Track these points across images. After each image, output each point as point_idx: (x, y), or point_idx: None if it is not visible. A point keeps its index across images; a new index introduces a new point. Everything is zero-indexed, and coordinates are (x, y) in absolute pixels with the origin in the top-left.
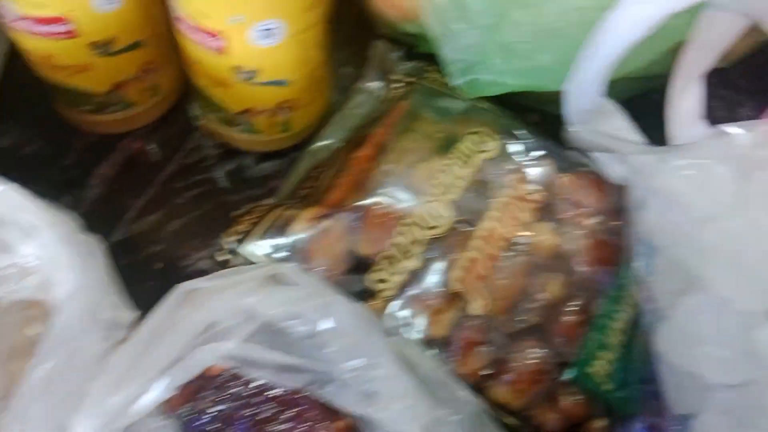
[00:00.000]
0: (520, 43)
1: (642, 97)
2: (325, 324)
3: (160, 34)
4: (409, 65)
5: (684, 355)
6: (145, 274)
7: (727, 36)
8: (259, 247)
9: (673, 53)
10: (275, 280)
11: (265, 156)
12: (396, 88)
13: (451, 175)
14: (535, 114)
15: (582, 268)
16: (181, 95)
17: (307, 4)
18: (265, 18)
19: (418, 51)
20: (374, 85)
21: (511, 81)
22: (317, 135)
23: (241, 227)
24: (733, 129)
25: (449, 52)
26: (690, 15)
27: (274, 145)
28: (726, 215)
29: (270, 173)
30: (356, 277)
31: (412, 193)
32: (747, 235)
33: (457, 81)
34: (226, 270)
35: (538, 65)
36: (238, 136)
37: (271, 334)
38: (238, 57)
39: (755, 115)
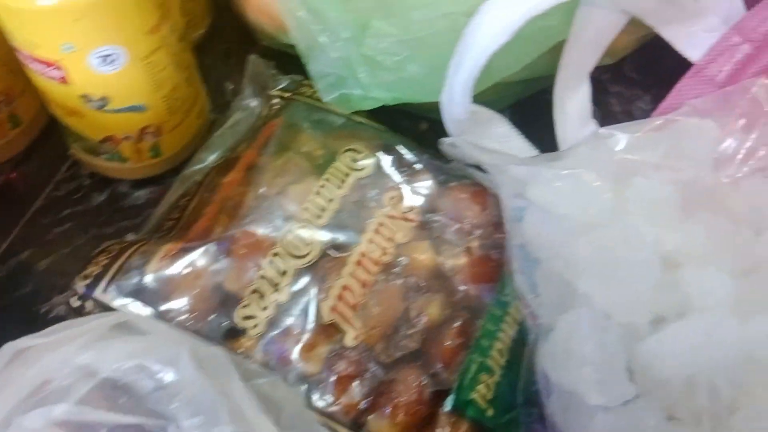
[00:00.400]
0: (385, 54)
1: (538, 96)
2: (171, 377)
3: (7, 62)
4: (286, 79)
5: (566, 374)
6: (8, 323)
7: (608, 32)
8: (111, 291)
9: (556, 53)
10: (125, 328)
11: (141, 183)
12: (273, 105)
13: (325, 197)
14: (425, 122)
15: (463, 286)
16: (48, 124)
17: (146, 28)
18: (100, 45)
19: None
20: (251, 101)
21: (381, 95)
22: (193, 158)
23: (93, 269)
24: (609, 133)
25: (316, 66)
26: (567, 14)
27: (146, 171)
28: (601, 225)
29: (146, 201)
30: (224, 314)
31: (283, 220)
32: (623, 245)
33: (327, 96)
34: (65, 322)
35: (408, 77)
36: (105, 165)
37: (113, 390)
38: (83, 86)
39: (651, 109)
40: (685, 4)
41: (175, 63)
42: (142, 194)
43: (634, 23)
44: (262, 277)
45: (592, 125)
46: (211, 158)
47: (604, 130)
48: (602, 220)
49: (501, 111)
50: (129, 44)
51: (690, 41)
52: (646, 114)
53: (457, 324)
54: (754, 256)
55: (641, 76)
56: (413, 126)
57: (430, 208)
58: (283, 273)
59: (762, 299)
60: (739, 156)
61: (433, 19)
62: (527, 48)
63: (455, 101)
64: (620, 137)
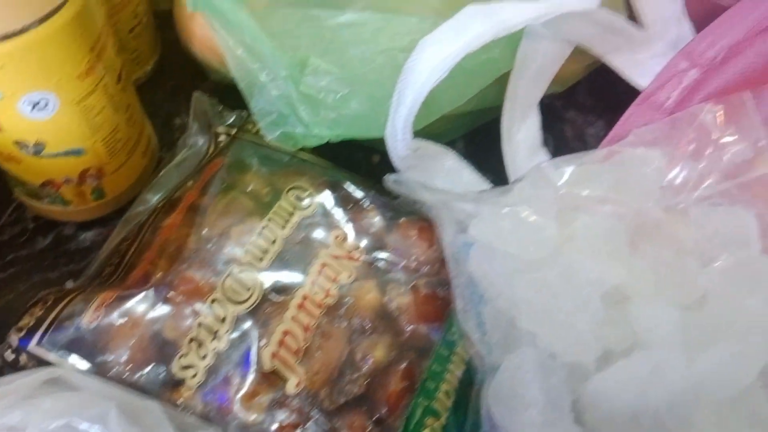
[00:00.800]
0: (325, 92)
1: (492, 125)
2: None
3: None
4: (232, 115)
5: (511, 417)
6: None
7: (553, 62)
8: (45, 344)
9: (504, 83)
10: (56, 384)
11: (87, 224)
12: (219, 142)
13: (267, 238)
14: (378, 154)
15: (410, 326)
16: None
17: (77, 73)
18: (29, 91)
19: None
20: (197, 139)
21: (324, 132)
22: (137, 199)
23: (28, 320)
24: (551, 166)
25: (258, 104)
26: (509, 46)
27: (90, 213)
28: (543, 263)
29: (92, 244)
30: (162, 364)
31: (224, 263)
32: (564, 284)
33: (269, 135)
34: None
35: (350, 114)
36: (48, 209)
37: None
38: (15, 132)
39: (605, 135)
40: (630, 33)
41: (112, 105)
42: (88, 236)
43: (582, 51)
44: (200, 324)
45: (543, 155)
46: (155, 199)
47: (547, 164)
48: (544, 258)
49: (453, 141)
50: (59, 90)
51: (637, 68)
52: (599, 140)
53: (403, 366)
54: (702, 287)
55: (595, 102)
56: (366, 158)
57: (376, 245)
58: (223, 319)
59: (709, 332)
60: (687, 185)
61: (371, 56)
62: (471, 81)
63: (398, 138)
64: (563, 171)
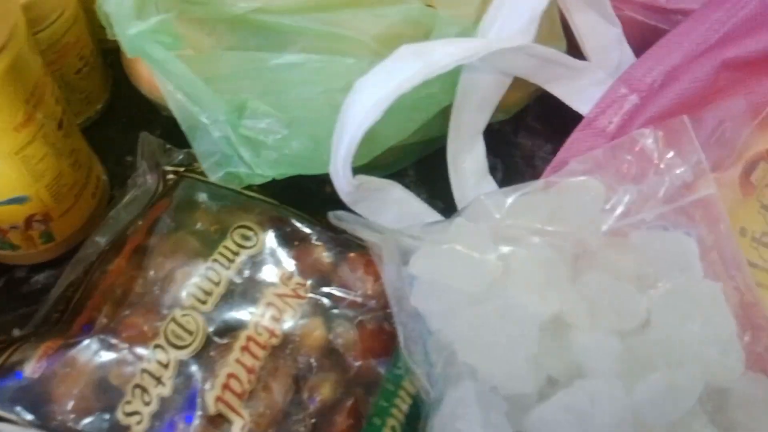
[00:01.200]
0: (265, 134)
1: (442, 151)
2: None
3: None
4: (180, 153)
5: None
6: None
7: (495, 93)
8: None
9: (448, 114)
10: None
11: (39, 267)
12: (167, 181)
13: (212, 280)
14: (330, 185)
15: (357, 362)
16: None
17: (13, 125)
18: None
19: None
20: (146, 178)
21: (267, 172)
22: (86, 241)
23: None
24: (490, 199)
25: (200, 146)
26: (449, 80)
27: (41, 257)
28: (482, 296)
29: (44, 286)
30: (108, 411)
31: (168, 307)
32: (502, 317)
33: (213, 176)
34: None
35: (291, 153)
36: None
37: None
38: None
39: (551, 159)
40: (568, 62)
41: (55, 151)
42: (40, 278)
43: (524, 80)
44: (144, 371)
45: (489, 182)
46: (104, 241)
47: (486, 197)
48: (483, 291)
49: (404, 169)
50: None
51: (578, 96)
52: (548, 164)
53: (350, 403)
54: (642, 314)
55: (544, 126)
56: (318, 188)
57: (323, 282)
58: (166, 365)
59: (649, 359)
60: (628, 210)
61: (310, 96)
62: (412, 116)
63: (340, 176)
64: (502, 203)
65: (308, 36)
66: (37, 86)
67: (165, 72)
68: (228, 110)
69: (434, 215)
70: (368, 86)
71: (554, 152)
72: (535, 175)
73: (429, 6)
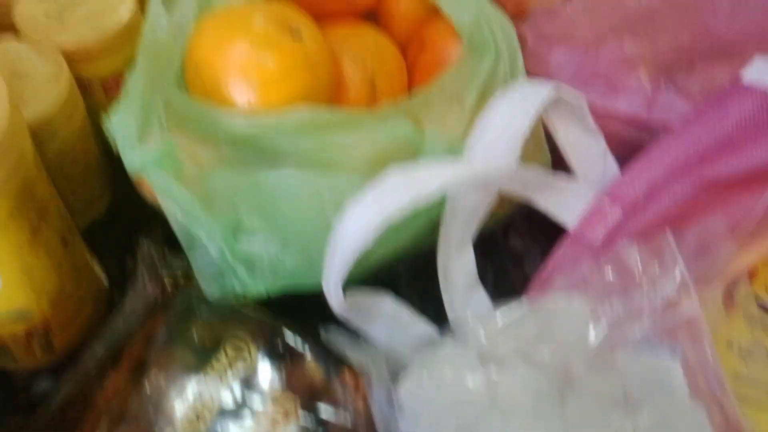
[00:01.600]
0: (259, 254)
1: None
2: None
3: None
4: (179, 261)
5: None
6: None
7: (482, 207)
8: None
9: (437, 225)
10: None
11: (39, 373)
12: (167, 290)
13: (203, 397)
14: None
15: None
16: None
17: (19, 242)
18: None
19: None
20: (144, 286)
21: (262, 288)
22: (84, 352)
23: None
24: (475, 323)
25: (197, 261)
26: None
27: (42, 365)
28: (470, 423)
29: (45, 392)
30: None
31: (161, 428)
32: None
33: (209, 290)
34: None
35: (285, 272)
36: None
37: None
38: None
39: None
40: (552, 179)
41: (58, 267)
42: (41, 386)
43: None
44: None
45: (479, 292)
46: (102, 351)
47: (473, 319)
48: (471, 421)
49: (397, 273)
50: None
51: (563, 209)
52: (537, 267)
53: None
54: None
55: (535, 231)
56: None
57: (313, 398)
58: None
59: None
60: (612, 327)
61: (303, 212)
62: (401, 235)
63: (332, 296)
64: (488, 325)
65: (302, 152)
66: (42, 203)
67: (165, 194)
68: (224, 231)
69: (425, 326)
70: (358, 212)
71: (543, 254)
72: (525, 277)
73: (417, 122)
